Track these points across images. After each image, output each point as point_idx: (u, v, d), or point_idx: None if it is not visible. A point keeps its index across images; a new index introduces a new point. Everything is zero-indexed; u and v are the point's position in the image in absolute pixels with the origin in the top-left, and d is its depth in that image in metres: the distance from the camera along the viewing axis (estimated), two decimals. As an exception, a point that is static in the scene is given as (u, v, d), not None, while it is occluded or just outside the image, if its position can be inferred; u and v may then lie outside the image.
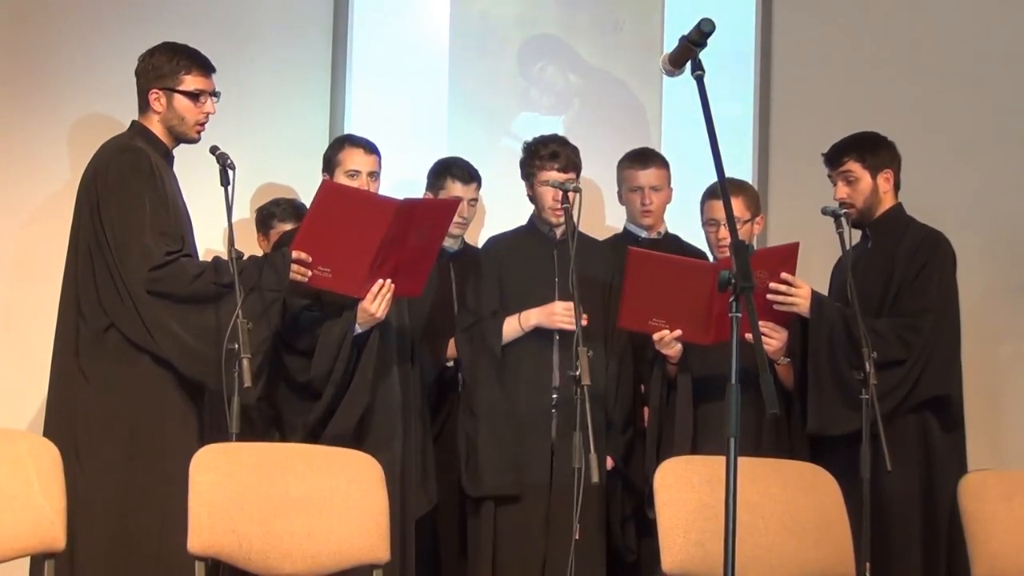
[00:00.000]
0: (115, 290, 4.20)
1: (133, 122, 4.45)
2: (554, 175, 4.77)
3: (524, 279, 4.85)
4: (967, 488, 4.06)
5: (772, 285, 4.51)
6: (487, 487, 4.74)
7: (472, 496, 4.77)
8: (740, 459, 2.96)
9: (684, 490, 3.75)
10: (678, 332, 4.56)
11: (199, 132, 4.44)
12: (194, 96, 4.40)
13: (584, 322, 4.46)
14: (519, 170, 4.96)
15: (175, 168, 4.47)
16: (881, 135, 4.85)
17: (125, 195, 4.23)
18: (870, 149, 4.79)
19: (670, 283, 4.52)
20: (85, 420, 4.21)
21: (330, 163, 4.71)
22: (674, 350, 4.63)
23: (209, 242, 4.99)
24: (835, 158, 4.80)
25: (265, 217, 5.42)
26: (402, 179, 5.63)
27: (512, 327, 4.78)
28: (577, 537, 4.28)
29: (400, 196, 4.41)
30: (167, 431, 4.24)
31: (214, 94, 4.45)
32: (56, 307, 4.34)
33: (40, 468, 3.57)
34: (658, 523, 3.72)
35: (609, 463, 4.75)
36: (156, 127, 4.42)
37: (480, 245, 5.35)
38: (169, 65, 4.39)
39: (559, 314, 4.71)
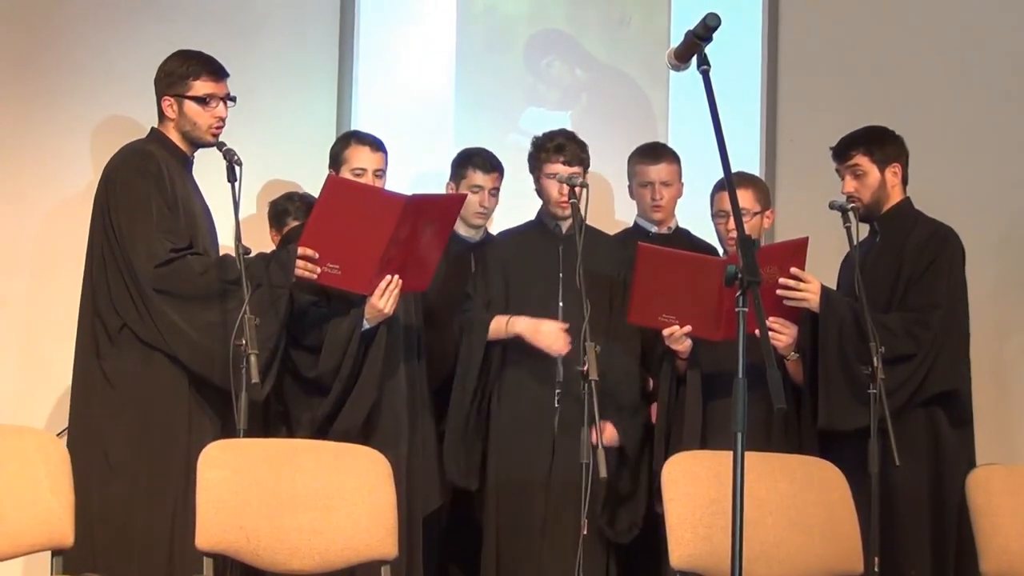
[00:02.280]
0: (125, 289, 4.23)
1: (152, 129, 4.51)
2: (559, 168, 4.77)
3: (528, 273, 4.85)
4: (975, 482, 4.06)
5: (781, 280, 4.50)
6: (449, 476, 4.75)
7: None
8: (748, 454, 2.96)
9: (691, 485, 3.75)
10: (688, 328, 4.55)
11: (215, 135, 4.45)
12: (203, 101, 4.42)
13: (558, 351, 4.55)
14: (527, 164, 4.96)
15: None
16: (889, 129, 4.84)
17: (131, 196, 4.27)
18: (878, 143, 4.78)
19: (679, 279, 4.51)
20: (105, 418, 4.24)
21: (336, 160, 4.71)
22: (683, 346, 4.62)
23: (219, 238, 4.99)
24: (843, 152, 4.80)
25: (279, 213, 5.42)
26: (409, 174, 5.63)
27: (498, 328, 4.76)
28: (585, 532, 4.29)
29: (407, 192, 4.40)
30: (182, 429, 4.26)
31: (227, 98, 4.47)
32: (74, 308, 4.38)
33: (48, 465, 3.58)
34: (666, 518, 3.72)
35: (610, 433, 4.68)
36: (172, 134, 4.46)
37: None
38: (179, 72, 4.42)
39: (543, 334, 4.68)
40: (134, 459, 4.21)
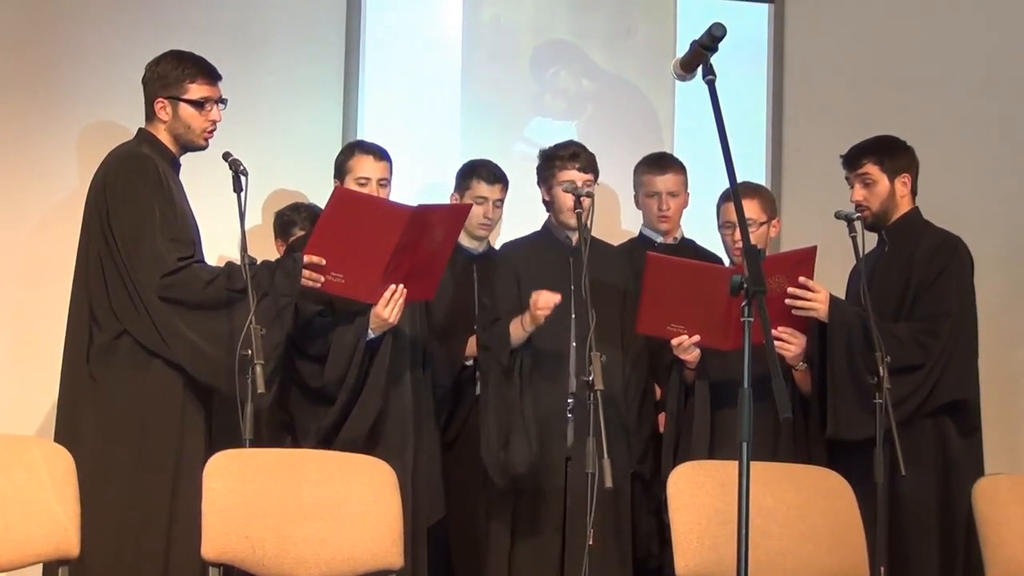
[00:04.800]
0: (127, 296, 4.20)
1: (140, 130, 4.45)
2: (574, 175, 4.76)
3: (540, 285, 4.81)
4: (981, 492, 4.05)
5: (790, 290, 4.50)
6: (508, 475, 4.70)
7: (498, 485, 4.73)
8: (753, 464, 2.96)
9: (698, 495, 3.75)
10: (696, 337, 4.54)
11: (207, 139, 4.43)
12: (199, 104, 4.39)
13: (543, 311, 4.52)
14: (535, 176, 4.96)
15: (185, 173, 4.47)
16: (900, 139, 4.83)
17: (134, 202, 4.23)
18: (889, 152, 4.78)
19: (688, 288, 4.50)
20: (96, 425, 4.21)
21: (341, 170, 4.71)
22: (692, 355, 4.61)
23: (221, 248, 5.00)
24: (853, 160, 4.79)
25: (285, 223, 5.42)
26: (415, 184, 5.63)
27: (517, 330, 4.74)
28: (591, 542, 4.28)
29: (413, 202, 4.41)
30: (178, 436, 4.24)
31: (220, 101, 4.43)
32: (65, 313, 4.34)
33: (54, 475, 3.58)
34: (672, 528, 3.71)
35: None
36: (163, 135, 4.41)
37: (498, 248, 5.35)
38: (174, 74, 4.38)
39: (532, 311, 4.61)
40: (124, 465, 4.18)
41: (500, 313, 4.81)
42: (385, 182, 4.68)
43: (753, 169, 6.02)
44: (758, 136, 6.35)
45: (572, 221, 4.77)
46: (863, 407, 4.42)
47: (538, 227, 5.04)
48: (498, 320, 4.79)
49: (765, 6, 6.44)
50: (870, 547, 3.92)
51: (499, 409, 4.71)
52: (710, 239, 5.20)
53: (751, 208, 4.72)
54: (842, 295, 4.79)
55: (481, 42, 6.19)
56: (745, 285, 2.98)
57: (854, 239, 4.53)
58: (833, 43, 6.43)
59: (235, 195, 4.19)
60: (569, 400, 4.72)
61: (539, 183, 4.95)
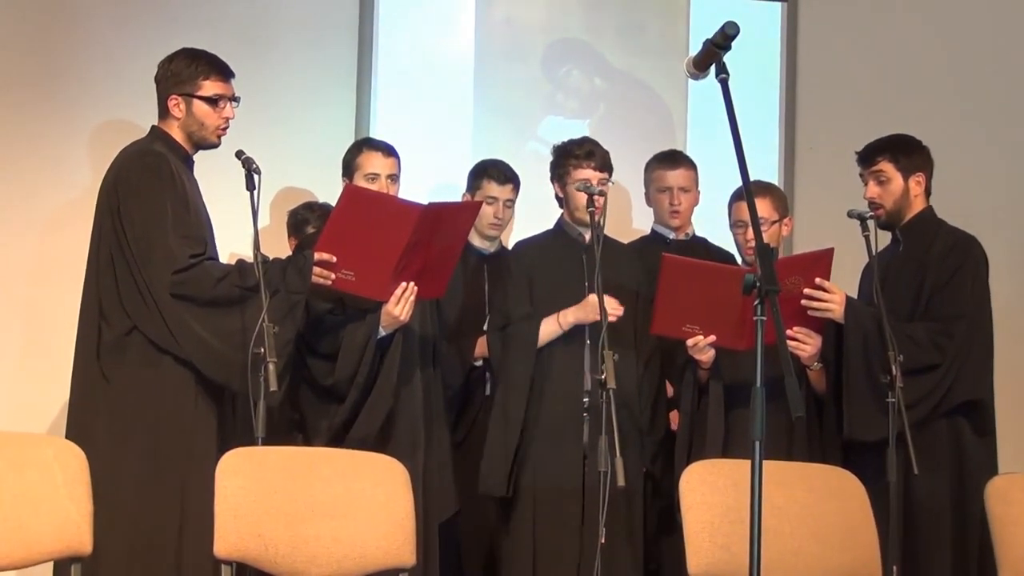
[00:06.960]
0: (138, 293, 4.20)
1: (153, 127, 4.45)
2: (589, 173, 4.75)
3: (554, 283, 4.82)
4: (994, 491, 4.03)
5: (806, 291, 4.49)
6: (481, 486, 4.72)
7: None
8: (766, 463, 2.96)
9: (710, 493, 3.75)
10: (711, 338, 4.54)
11: (220, 137, 4.43)
12: (213, 101, 4.39)
13: (614, 316, 4.49)
14: (549, 172, 4.95)
15: (197, 172, 4.47)
16: (916, 139, 4.82)
17: (146, 199, 4.23)
18: (904, 151, 4.77)
19: (704, 289, 4.49)
20: (107, 423, 4.21)
21: (349, 167, 4.71)
22: (707, 356, 4.60)
23: (234, 246, 5.00)
24: (868, 157, 4.79)
25: (299, 222, 5.42)
26: (428, 184, 5.63)
27: (551, 328, 4.74)
28: (603, 541, 4.28)
29: (425, 201, 4.41)
30: (189, 433, 4.24)
31: (234, 99, 4.44)
32: (77, 310, 4.34)
33: (66, 472, 3.58)
34: (684, 526, 3.71)
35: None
36: (176, 132, 4.41)
37: (510, 248, 5.34)
38: (188, 71, 4.38)
39: (594, 305, 4.56)
40: (135, 462, 4.18)
41: (515, 316, 4.80)
42: (394, 178, 4.69)
43: (766, 168, 6.02)
44: (771, 135, 6.34)
45: (586, 218, 4.75)
46: (879, 408, 4.40)
47: (550, 226, 5.04)
48: (522, 319, 4.79)
49: (778, 4, 6.44)
50: (882, 547, 3.91)
51: (510, 425, 4.73)
52: (722, 238, 5.20)
53: (763, 207, 4.72)
54: (854, 294, 4.78)
55: (493, 41, 6.18)
56: (758, 284, 2.98)
57: (867, 238, 4.53)
58: (846, 42, 6.43)
59: (248, 193, 4.19)
60: (584, 399, 4.72)
61: (552, 179, 4.94)
